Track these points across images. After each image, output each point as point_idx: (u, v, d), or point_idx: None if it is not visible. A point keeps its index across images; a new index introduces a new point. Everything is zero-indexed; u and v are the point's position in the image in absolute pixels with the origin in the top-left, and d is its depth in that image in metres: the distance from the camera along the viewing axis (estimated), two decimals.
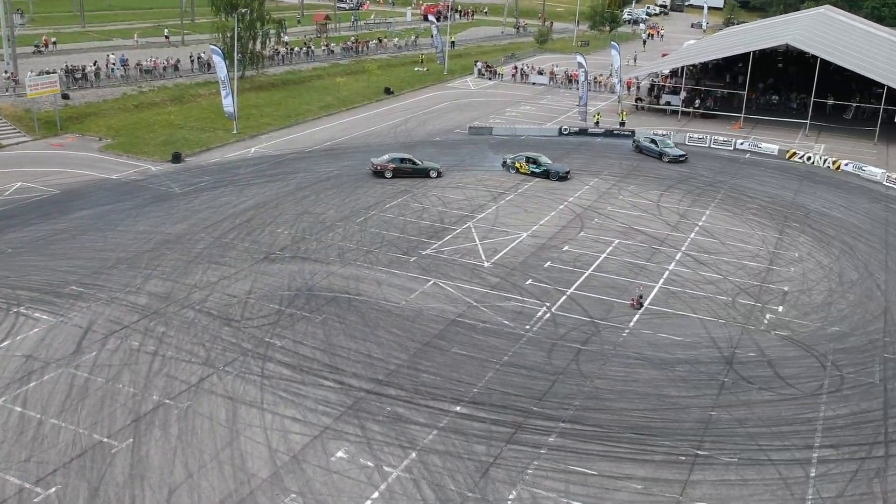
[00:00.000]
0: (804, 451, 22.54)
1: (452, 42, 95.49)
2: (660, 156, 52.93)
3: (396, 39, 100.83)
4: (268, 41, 75.46)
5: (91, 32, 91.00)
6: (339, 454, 21.56)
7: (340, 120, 62.64)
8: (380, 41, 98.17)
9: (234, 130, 55.42)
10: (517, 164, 48.25)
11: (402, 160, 46.52)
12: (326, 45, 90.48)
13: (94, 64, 66.67)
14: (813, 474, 21.57)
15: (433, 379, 25.30)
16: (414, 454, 21.64)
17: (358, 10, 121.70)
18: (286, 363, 25.90)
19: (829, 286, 33.68)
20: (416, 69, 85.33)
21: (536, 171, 47.56)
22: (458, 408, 23.83)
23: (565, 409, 24.03)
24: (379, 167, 46.19)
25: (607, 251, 36.38)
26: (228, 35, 66.12)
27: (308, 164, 48.65)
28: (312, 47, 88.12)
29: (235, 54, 60.97)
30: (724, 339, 28.78)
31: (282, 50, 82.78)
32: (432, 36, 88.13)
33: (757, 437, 23.07)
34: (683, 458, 22.10)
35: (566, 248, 36.62)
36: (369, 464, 21.21)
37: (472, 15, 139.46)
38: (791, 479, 21.31)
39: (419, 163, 46.81)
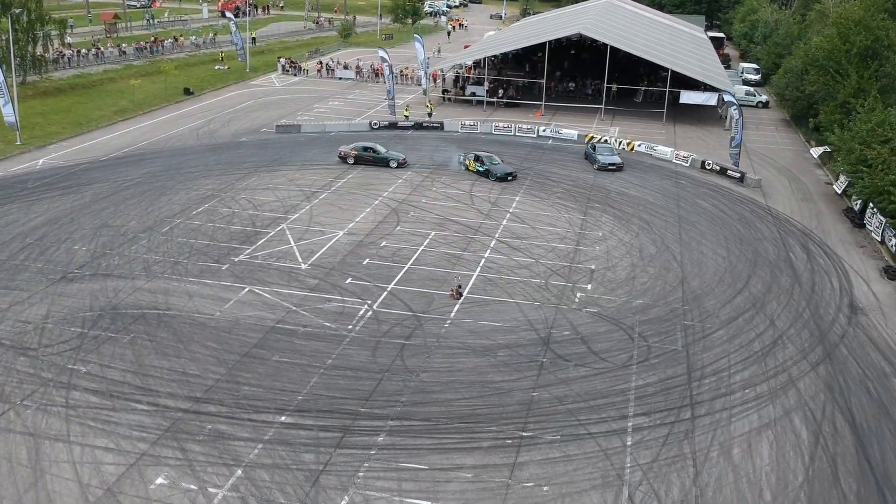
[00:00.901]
0: (620, 422, 23.72)
1: (253, 38, 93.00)
2: (594, 162, 51.07)
3: (194, 37, 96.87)
4: (49, 43, 70.30)
5: None
6: (159, 480, 20.37)
7: (138, 124, 59.29)
8: (176, 40, 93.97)
9: (17, 142, 51.14)
10: (467, 162, 48.71)
11: (366, 148, 49.33)
12: (117, 46, 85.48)
13: None
14: (629, 443, 22.74)
15: (255, 391, 24.44)
16: (240, 471, 20.80)
17: (149, 7, 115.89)
18: (93, 390, 24.15)
19: (631, 262, 35.67)
20: (216, 68, 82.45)
21: (480, 169, 47.77)
22: (283, 418, 23.16)
23: (393, 407, 23.96)
24: (343, 153, 49.07)
25: (424, 244, 36.66)
26: (3, 38, 60.87)
27: (105, 174, 45.66)
28: (101, 48, 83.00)
29: (13, 58, 56.18)
30: (540, 320, 29.77)
31: (67, 52, 77.30)
32: (231, 33, 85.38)
33: (576, 413, 24.03)
34: (510, 441, 22.63)
35: (384, 243, 36.56)
36: (192, 487, 20.18)
37: (269, 10, 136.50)
38: (610, 450, 22.36)
39: (381, 152, 49.17)
